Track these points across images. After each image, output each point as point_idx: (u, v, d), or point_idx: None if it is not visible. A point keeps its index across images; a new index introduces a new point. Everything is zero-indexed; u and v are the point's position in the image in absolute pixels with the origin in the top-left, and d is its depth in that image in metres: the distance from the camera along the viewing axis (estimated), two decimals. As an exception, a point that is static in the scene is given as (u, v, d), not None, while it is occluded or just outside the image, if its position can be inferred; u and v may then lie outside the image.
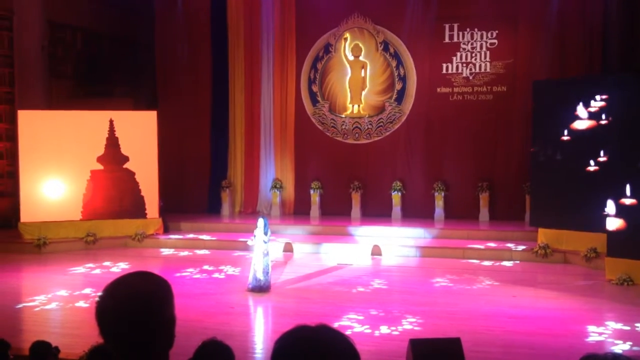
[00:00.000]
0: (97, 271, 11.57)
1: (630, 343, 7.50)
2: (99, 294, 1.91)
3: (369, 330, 8.01)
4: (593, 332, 7.97)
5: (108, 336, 1.86)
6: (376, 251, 12.87)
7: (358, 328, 8.08)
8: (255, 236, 10.05)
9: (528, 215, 13.52)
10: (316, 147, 15.92)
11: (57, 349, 4.81)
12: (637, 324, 8.24)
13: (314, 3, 15.84)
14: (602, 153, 11.48)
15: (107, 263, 12.14)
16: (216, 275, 11.29)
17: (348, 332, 7.08)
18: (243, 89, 16.19)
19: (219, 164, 16.43)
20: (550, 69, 14.13)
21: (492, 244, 12.91)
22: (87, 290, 9.97)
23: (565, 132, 11.94)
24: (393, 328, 8.09)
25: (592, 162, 11.65)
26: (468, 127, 14.89)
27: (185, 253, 13.25)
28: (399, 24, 15.38)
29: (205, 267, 11.83)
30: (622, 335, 7.82)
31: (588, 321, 8.41)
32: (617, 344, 7.48)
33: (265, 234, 9.95)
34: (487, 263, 12.08)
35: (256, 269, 9.90)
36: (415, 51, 15.32)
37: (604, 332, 7.94)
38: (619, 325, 8.20)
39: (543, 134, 12.36)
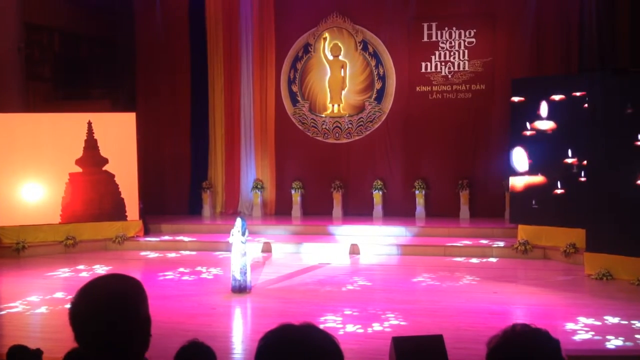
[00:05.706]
0: (77, 274, 11.46)
1: (622, 338, 7.57)
2: (72, 297, 1.89)
3: (352, 329, 8.02)
4: (572, 327, 8.04)
5: (83, 340, 1.85)
6: (354, 250, 12.89)
7: (341, 327, 8.08)
8: (232, 235, 9.97)
9: (508, 212, 13.62)
10: (297, 147, 15.90)
11: (39, 351, 4.75)
12: (606, 317, 8.34)
13: (293, 3, 15.80)
14: (574, 152, 11.63)
15: (86, 266, 12.03)
16: (198, 276, 11.24)
17: (336, 332, 7.08)
18: (222, 90, 16.12)
19: (199, 165, 16.35)
20: (528, 67, 14.25)
21: (472, 241, 13.00)
22: (67, 294, 9.87)
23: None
24: (376, 326, 8.11)
25: (569, 158, 11.78)
26: (448, 125, 14.96)
27: (166, 255, 13.17)
28: (378, 23, 15.41)
29: (187, 268, 11.76)
30: (605, 330, 7.89)
31: (568, 316, 8.48)
32: (609, 340, 7.54)
33: (243, 234, 9.89)
34: (468, 260, 12.16)
35: (234, 270, 9.86)
36: (394, 50, 15.36)
37: (583, 327, 8.01)
38: (591, 320, 8.26)
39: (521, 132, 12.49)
